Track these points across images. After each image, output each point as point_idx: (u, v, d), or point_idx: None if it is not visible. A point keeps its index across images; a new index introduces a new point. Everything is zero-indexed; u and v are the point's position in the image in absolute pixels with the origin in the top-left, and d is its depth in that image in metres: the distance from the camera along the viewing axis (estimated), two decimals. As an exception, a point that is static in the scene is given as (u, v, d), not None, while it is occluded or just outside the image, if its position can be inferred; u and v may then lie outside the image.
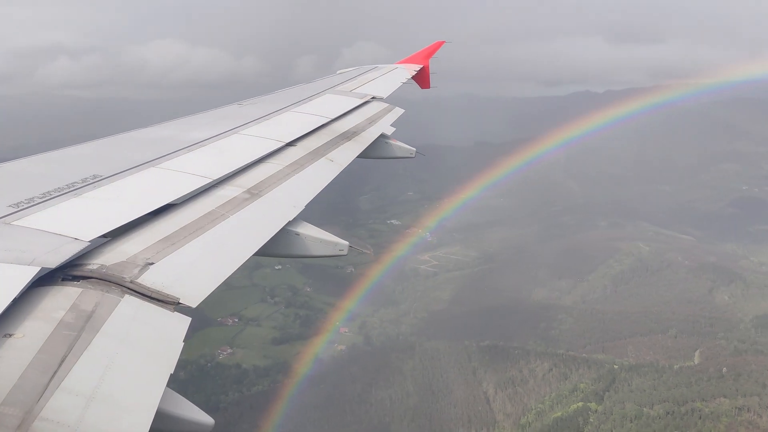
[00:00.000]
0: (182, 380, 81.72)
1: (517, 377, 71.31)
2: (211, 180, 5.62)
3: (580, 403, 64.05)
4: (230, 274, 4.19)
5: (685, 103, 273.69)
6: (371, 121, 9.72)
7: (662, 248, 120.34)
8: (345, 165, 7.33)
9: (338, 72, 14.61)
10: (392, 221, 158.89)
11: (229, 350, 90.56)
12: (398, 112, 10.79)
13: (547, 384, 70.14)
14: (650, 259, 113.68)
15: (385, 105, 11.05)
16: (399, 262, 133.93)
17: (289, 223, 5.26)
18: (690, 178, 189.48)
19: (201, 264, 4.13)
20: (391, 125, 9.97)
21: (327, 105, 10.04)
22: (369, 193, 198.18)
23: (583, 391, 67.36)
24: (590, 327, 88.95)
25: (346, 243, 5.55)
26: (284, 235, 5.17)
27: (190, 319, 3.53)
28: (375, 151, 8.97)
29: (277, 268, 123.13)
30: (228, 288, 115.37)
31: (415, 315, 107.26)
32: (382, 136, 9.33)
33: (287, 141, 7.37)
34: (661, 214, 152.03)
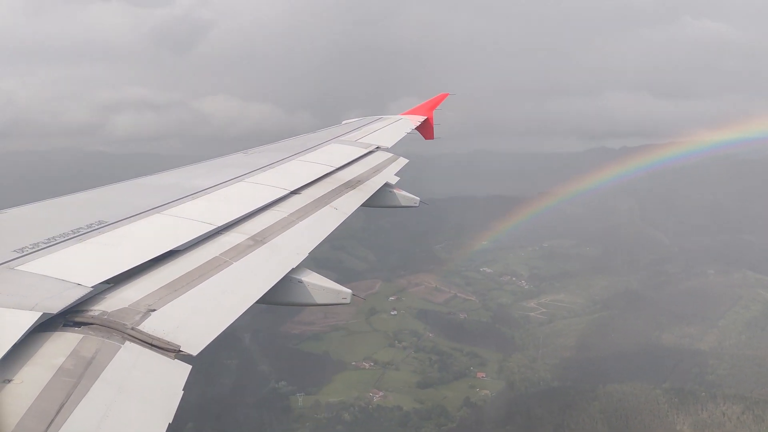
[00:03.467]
0: (348, 422, 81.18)
1: (711, 420, 69.60)
2: (215, 227, 5.60)
3: (797, 445, 62.24)
4: (232, 321, 4.13)
5: (748, 155, 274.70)
6: (376, 170, 9.71)
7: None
8: (349, 213, 7.32)
9: (343, 122, 14.71)
10: (484, 269, 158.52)
11: (381, 393, 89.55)
12: (402, 162, 10.83)
13: (746, 427, 68.20)
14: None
15: (390, 155, 11.06)
16: (505, 309, 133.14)
17: (293, 271, 5.22)
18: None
19: (203, 311, 4.12)
20: (396, 174, 10.04)
21: (332, 154, 10.05)
22: (443, 243, 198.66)
23: (788, 434, 65.50)
24: (752, 372, 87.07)
25: (349, 291, 5.54)
26: (287, 282, 5.14)
27: (190, 367, 3.47)
28: (379, 200, 8.97)
29: (392, 314, 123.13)
30: (348, 333, 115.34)
31: (544, 360, 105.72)
32: (387, 185, 9.33)
33: (292, 189, 7.39)
34: (760, 262, 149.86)
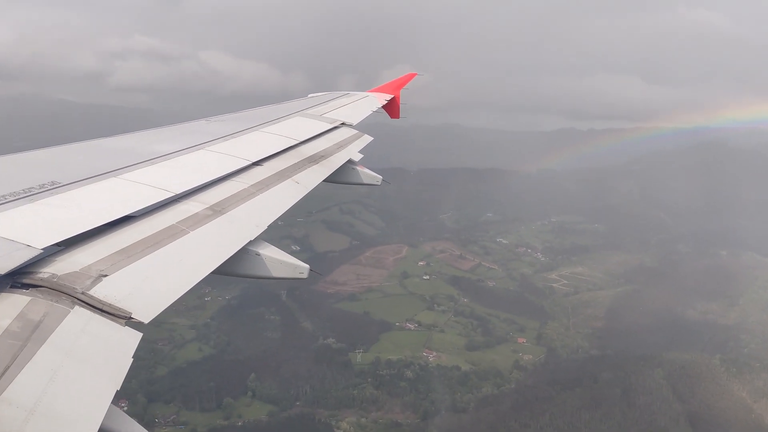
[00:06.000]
0: (411, 379, 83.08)
1: (766, 388, 73.97)
2: (173, 194, 5.52)
3: None
4: (186, 291, 4.10)
5: (736, 144, 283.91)
6: (339, 146, 9.74)
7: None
8: (310, 188, 7.33)
9: (309, 95, 14.68)
10: (500, 240, 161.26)
11: (434, 354, 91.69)
12: (367, 139, 10.85)
13: (800, 396, 72.76)
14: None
15: (355, 131, 11.09)
16: (528, 279, 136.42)
17: (250, 243, 5.20)
18: (765, 214, 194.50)
19: (156, 279, 4.06)
20: (359, 152, 10.06)
21: (296, 127, 9.97)
22: (449, 213, 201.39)
23: (842, 402, 70.11)
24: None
25: (307, 266, 5.46)
26: (244, 254, 5.11)
27: (141, 334, 3.43)
28: (342, 176, 9.08)
29: (425, 278, 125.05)
30: (384, 295, 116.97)
31: (576, 329, 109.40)
32: (350, 161, 9.42)
33: (253, 160, 7.34)
34: (763, 246, 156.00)
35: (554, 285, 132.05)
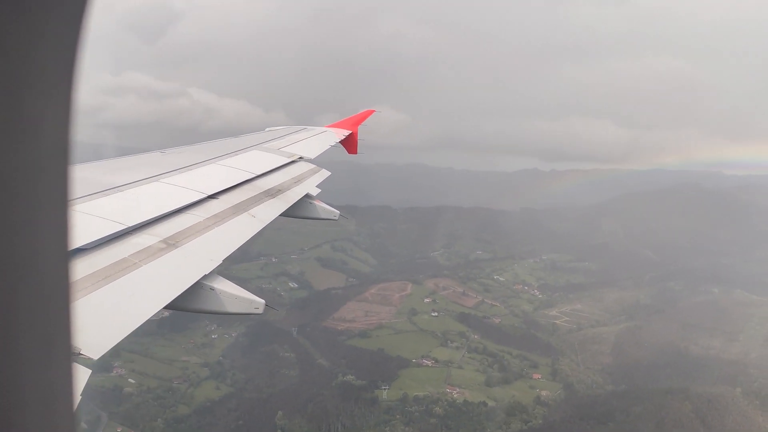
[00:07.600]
0: (440, 416, 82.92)
1: (791, 420, 76.25)
2: (126, 226, 5.44)
3: None
4: (138, 326, 4.06)
5: (711, 186, 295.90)
6: (297, 180, 9.73)
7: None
8: (267, 222, 7.29)
9: (267, 129, 14.74)
10: (497, 277, 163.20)
11: (457, 390, 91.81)
12: (324, 174, 10.92)
13: (823, 427, 75.16)
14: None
15: (312, 166, 11.16)
16: (530, 315, 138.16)
17: (205, 277, 5.18)
18: (748, 253, 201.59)
19: (107, 314, 4.02)
20: (317, 186, 10.16)
21: (253, 161, 9.98)
22: (440, 250, 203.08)
23: None
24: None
25: (262, 301, 5.47)
26: (198, 289, 5.09)
27: (90, 371, 3.37)
28: (299, 210, 9.09)
29: (433, 315, 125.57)
30: (395, 332, 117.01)
31: (587, 365, 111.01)
32: (307, 196, 9.43)
33: (209, 193, 7.29)
34: (749, 284, 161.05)
35: (557, 321, 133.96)
